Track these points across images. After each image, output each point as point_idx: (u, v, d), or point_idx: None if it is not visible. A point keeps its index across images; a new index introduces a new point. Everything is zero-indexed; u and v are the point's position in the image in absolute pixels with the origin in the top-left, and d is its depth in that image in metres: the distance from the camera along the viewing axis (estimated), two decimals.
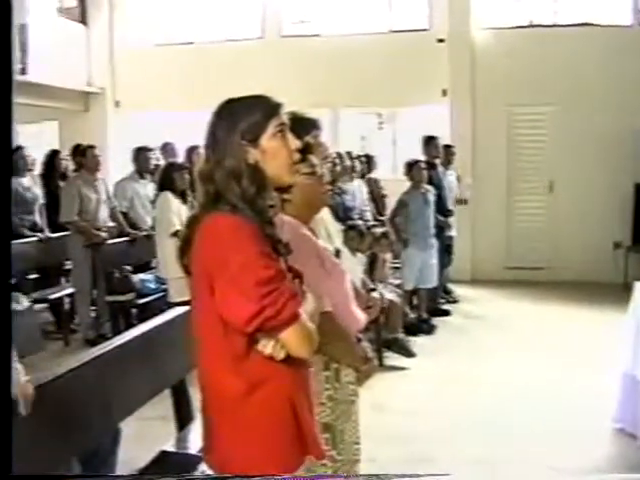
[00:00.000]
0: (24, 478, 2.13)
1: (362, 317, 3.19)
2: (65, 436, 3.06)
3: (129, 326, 7.85)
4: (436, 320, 8.52)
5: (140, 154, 8.51)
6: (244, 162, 2.25)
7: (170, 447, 3.87)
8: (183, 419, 4.16)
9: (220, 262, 2.14)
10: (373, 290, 6.12)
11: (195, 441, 3.88)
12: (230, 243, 2.16)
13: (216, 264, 2.16)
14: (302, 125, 3.17)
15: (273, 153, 2.29)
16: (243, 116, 2.28)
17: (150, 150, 8.60)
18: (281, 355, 2.20)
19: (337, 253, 3.24)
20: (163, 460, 3.52)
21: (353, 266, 3.70)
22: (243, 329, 2.16)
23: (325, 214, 3.41)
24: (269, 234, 2.24)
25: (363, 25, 12.23)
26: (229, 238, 2.17)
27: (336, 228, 3.71)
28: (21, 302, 4.60)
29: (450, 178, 9.43)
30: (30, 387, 2.83)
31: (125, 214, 8.31)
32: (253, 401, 2.22)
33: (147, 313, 8.00)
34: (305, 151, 2.96)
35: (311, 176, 3.01)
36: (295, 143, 2.36)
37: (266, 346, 2.19)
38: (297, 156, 2.37)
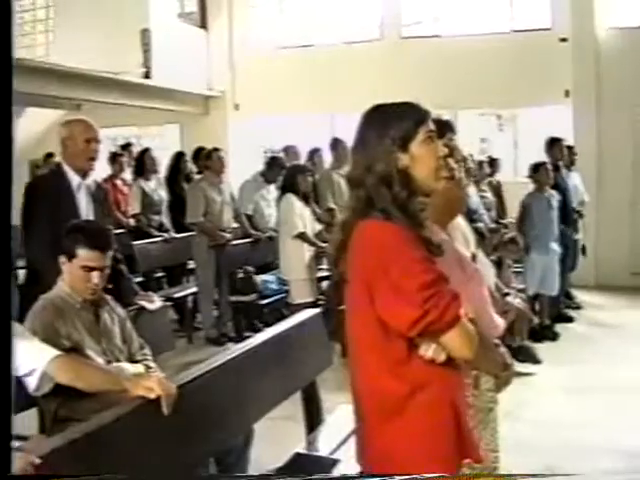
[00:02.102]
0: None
1: (501, 322, 3.13)
2: (204, 436, 3.09)
3: (251, 326, 7.99)
4: (559, 326, 8.31)
5: (274, 166, 8.58)
6: (395, 167, 2.27)
7: (300, 448, 3.88)
8: (313, 421, 4.16)
9: (380, 268, 2.17)
10: (507, 295, 6.02)
11: (325, 444, 3.89)
12: (389, 249, 2.19)
13: (376, 270, 2.19)
14: (437, 128, 3.13)
15: (422, 159, 2.31)
16: (394, 122, 2.30)
17: (283, 167, 8.58)
18: (442, 357, 2.23)
19: (473, 258, 3.19)
20: (297, 462, 3.53)
21: (487, 271, 3.63)
22: (406, 333, 2.19)
23: (460, 218, 3.36)
24: (423, 237, 2.26)
25: (484, 25, 12.05)
26: (388, 244, 2.20)
27: (471, 232, 3.65)
28: (154, 301, 4.68)
29: (574, 181, 9.18)
30: (173, 386, 2.87)
31: (250, 216, 8.42)
32: (416, 403, 2.25)
33: (269, 314, 8.15)
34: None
35: (450, 180, 2.96)
36: (442, 150, 2.39)
37: (428, 350, 2.21)
38: (443, 162, 2.38)
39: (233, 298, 7.78)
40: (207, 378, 3.21)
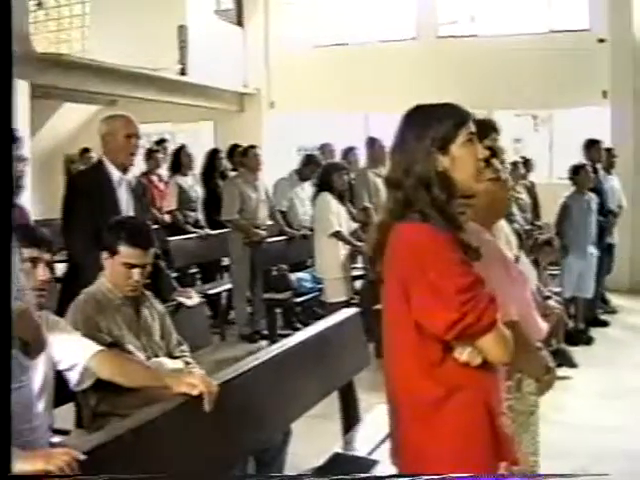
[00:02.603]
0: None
1: (544, 326, 3.11)
2: (243, 434, 3.10)
3: (286, 324, 8.01)
4: (594, 331, 8.23)
5: (309, 165, 8.62)
6: (434, 169, 2.25)
7: (335, 447, 3.87)
8: (350, 420, 4.15)
9: (418, 270, 2.16)
10: (549, 298, 5.97)
11: (363, 443, 3.88)
12: (427, 251, 2.17)
13: (413, 272, 2.18)
14: (481, 128, 3.10)
15: (462, 161, 2.29)
16: (434, 124, 2.28)
17: (319, 164, 8.55)
18: (477, 361, 2.21)
19: (516, 260, 3.18)
20: (336, 461, 3.52)
21: (530, 273, 3.61)
22: (443, 336, 2.17)
23: (503, 220, 3.34)
24: (461, 240, 2.24)
25: (521, 25, 11.97)
26: (426, 246, 2.18)
27: (513, 234, 3.62)
28: (192, 298, 4.70)
29: (612, 183, 9.08)
30: (214, 383, 2.87)
31: (284, 213, 8.44)
32: (450, 406, 2.23)
33: (302, 312, 8.15)
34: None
35: (495, 181, 2.94)
36: (483, 152, 2.37)
37: (462, 353, 2.20)
38: (483, 164, 2.37)
39: (267, 295, 7.79)
40: (247, 376, 3.21)
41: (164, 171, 9.30)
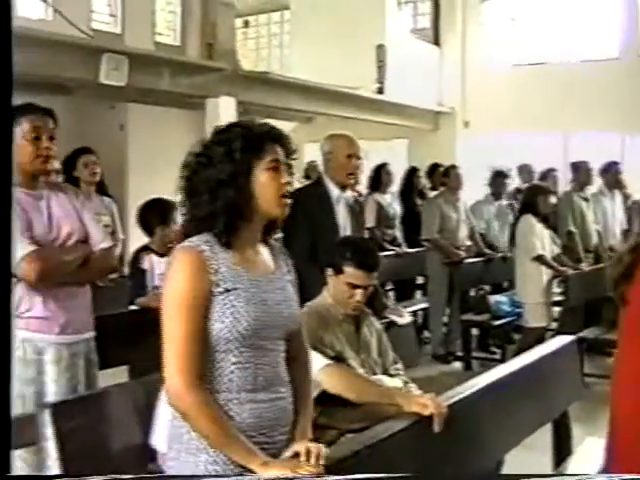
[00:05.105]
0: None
1: None
2: (464, 458, 3.08)
3: (480, 346, 7.92)
4: None
5: (497, 179, 8.55)
6: None
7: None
8: (562, 453, 4.05)
9: None
10: None
11: (575, 477, 3.77)
12: None
13: None
14: None
15: None
16: None
17: (506, 176, 8.55)
18: None
19: None
20: None
21: None
22: None
23: None
24: None
25: None
26: None
27: None
28: (404, 316, 4.73)
29: None
30: (445, 405, 2.88)
31: (482, 235, 8.37)
32: None
33: (495, 335, 8.05)
34: None
35: None
36: None
37: None
38: None
39: (465, 317, 7.73)
40: (469, 401, 3.18)
41: (362, 188, 9.41)
